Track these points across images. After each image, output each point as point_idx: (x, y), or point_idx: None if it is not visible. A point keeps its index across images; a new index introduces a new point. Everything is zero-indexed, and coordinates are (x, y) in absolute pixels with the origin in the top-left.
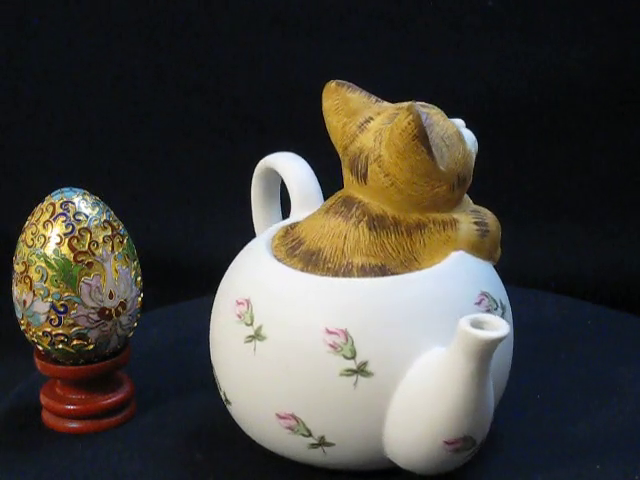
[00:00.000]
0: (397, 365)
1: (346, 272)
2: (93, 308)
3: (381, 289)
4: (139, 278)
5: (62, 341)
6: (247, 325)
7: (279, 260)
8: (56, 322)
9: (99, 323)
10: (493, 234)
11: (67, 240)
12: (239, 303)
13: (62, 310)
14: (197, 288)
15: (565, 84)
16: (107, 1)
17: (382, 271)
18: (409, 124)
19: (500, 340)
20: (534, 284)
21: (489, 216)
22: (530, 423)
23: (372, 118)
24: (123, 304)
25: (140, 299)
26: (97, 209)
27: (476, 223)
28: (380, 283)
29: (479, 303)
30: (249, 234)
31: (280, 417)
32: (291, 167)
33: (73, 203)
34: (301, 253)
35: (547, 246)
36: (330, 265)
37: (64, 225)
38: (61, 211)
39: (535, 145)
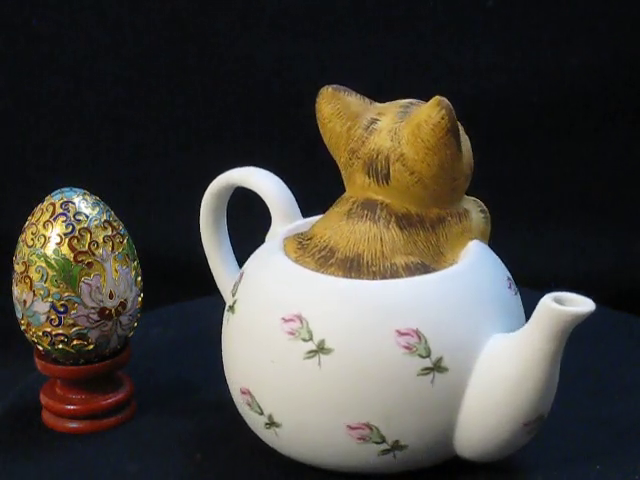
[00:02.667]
0: (468, 356)
1: (393, 273)
2: (93, 308)
3: (435, 285)
4: (139, 278)
5: (62, 341)
6: (305, 341)
7: (315, 271)
8: (56, 322)
9: (99, 323)
10: (490, 219)
11: (67, 240)
12: (287, 320)
13: (62, 310)
14: (197, 288)
15: (565, 84)
16: (106, 2)
17: (425, 268)
18: (442, 118)
19: (588, 315)
20: (534, 284)
21: (482, 203)
22: None
23: (377, 119)
24: (123, 304)
25: (140, 299)
26: (97, 209)
27: (481, 211)
28: (432, 279)
29: (510, 287)
30: (249, 234)
31: (352, 428)
32: (264, 182)
33: (73, 203)
34: (338, 261)
35: (547, 246)
36: (374, 269)
37: (64, 225)
38: (61, 211)
39: (535, 145)
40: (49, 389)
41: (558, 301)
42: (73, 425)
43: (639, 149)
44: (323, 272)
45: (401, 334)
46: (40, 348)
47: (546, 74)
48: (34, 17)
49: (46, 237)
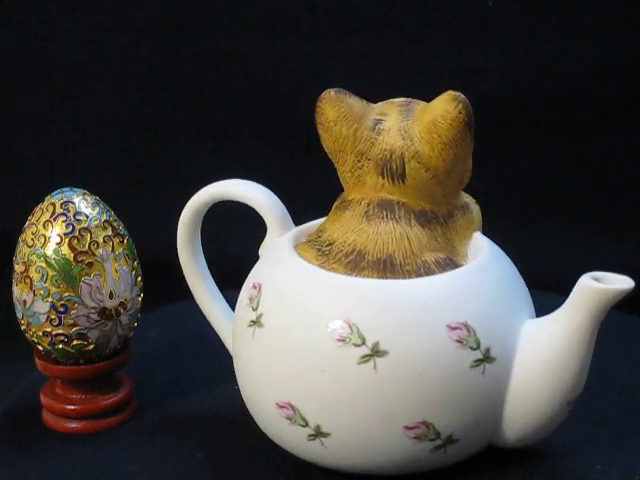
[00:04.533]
0: (510, 344)
1: (427, 270)
2: (93, 308)
3: (471, 277)
4: (139, 278)
5: (62, 341)
6: (357, 346)
7: (348, 275)
8: (56, 322)
9: (99, 323)
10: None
11: (67, 240)
12: (335, 327)
13: (62, 310)
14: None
15: (565, 84)
16: (106, 1)
17: (452, 262)
18: (460, 113)
19: (628, 291)
20: (534, 284)
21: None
22: None
23: (381, 119)
24: (123, 304)
25: (140, 299)
26: (97, 209)
27: (477, 203)
28: (465, 272)
29: (520, 274)
30: (248, 235)
31: (408, 428)
32: (257, 194)
33: (73, 203)
34: (370, 264)
35: (547, 246)
36: (408, 267)
37: (64, 225)
38: (61, 211)
39: (535, 145)
40: (49, 389)
41: (597, 280)
42: (73, 425)
43: (639, 149)
44: (357, 275)
45: (452, 328)
46: (40, 348)
47: (546, 74)
48: (34, 16)
49: (46, 237)
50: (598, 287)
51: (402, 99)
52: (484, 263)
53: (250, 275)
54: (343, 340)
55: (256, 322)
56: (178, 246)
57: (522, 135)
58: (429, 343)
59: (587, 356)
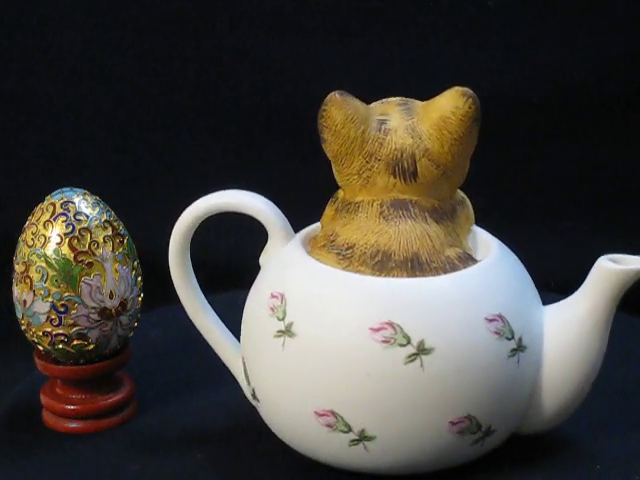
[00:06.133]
0: (537, 331)
1: (453, 266)
2: (93, 308)
3: (495, 270)
4: (139, 278)
5: (62, 341)
6: (402, 346)
7: (377, 276)
8: (56, 322)
9: (99, 323)
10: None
11: (67, 240)
12: (377, 329)
13: (62, 310)
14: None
15: (565, 84)
16: (106, 1)
17: (469, 256)
18: (470, 108)
19: None
20: (534, 284)
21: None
22: None
23: (385, 119)
24: (123, 304)
25: (140, 299)
26: (97, 209)
27: (469, 197)
28: (487, 266)
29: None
30: (248, 235)
31: (453, 424)
32: (257, 204)
33: (73, 203)
34: (398, 264)
35: (547, 246)
36: (435, 265)
37: (64, 225)
38: (61, 211)
39: (535, 144)
40: (49, 389)
41: (614, 262)
42: (73, 425)
43: (639, 149)
44: (386, 276)
45: (489, 320)
46: (40, 348)
47: (546, 74)
48: (35, 16)
49: (46, 237)
50: (615, 268)
51: (397, 98)
52: (501, 255)
53: (263, 285)
54: (388, 341)
55: (285, 332)
56: (171, 260)
57: (522, 135)
58: (471, 337)
59: (606, 336)
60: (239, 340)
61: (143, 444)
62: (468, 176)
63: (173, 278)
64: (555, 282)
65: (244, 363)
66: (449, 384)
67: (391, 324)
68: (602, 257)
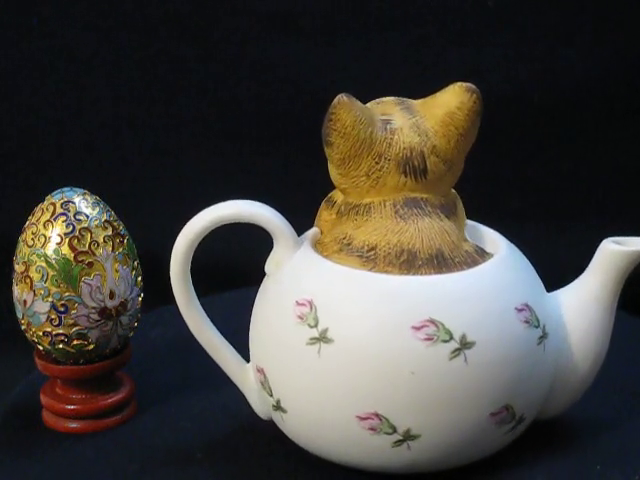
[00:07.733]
0: (555, 317)
1: (474, 261)
2: (93, 308)
3: (511, 263)
4: (139, 278)
5: (62, 341)
6: (445, 342)
7: (405, 275)
8: (56, 322)
9: (99, 323)
10: None
11: (67, 240)
12: (419, 327)
13: (62, 310)
14: (197, 288)
15: (565, 84)
16: (106, 1)
17: (483, 250)
18: (475, 102)
19: None
20: None
21: None
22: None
23: (388, 119)
24: (123, 304)
25: (140, 299)
26: (97, 209)
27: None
28: (503, 258)
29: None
30: (248, 235)
31: (493, 415)
32: (263, 214)
33: (74, 203)
34: (424, 262)
35: (547, 246)
36: (458, 260)
37: (64, 225)
38: (62, 211)
39: (535, 144)
40: (49, 389)
41: (618, 244)
42: (73, 425)
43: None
44: (414, 274)
45: (519, 310)
46: (40, 348)
47: (546, 74)
48: (35, 16)
49: (46, 237)
50: (620, 249)
51: (392, 98)
52: (511, 247)
53: (282, 294)
54: (431, 339)
55: (320, 338)
56: (173, 278)
57: (522, 134)
58: (506, 327)
59: (612, 318)
60: (246, 350)
61: (143, 444)
62: (468, 176)
63: (175, 295)
64: (555, 282)
65: (263, 375)
66: (490, 376)
67: (432, 321)
68: (606, 239)
